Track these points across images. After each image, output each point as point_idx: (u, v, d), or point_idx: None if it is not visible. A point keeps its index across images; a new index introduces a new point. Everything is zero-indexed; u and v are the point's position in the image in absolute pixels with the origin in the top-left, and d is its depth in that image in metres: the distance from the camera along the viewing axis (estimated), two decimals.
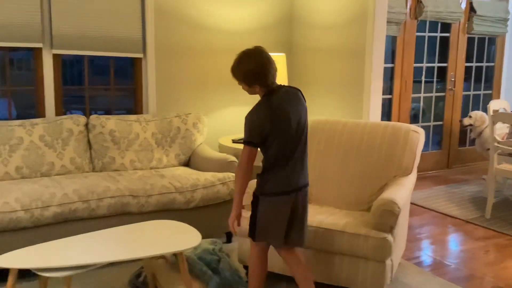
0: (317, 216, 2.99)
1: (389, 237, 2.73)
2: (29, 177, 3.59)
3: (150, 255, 2.59)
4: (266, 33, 4.88)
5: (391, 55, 5.69)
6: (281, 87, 2.54)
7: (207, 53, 4.61)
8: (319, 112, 4.69)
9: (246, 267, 3.06)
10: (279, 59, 4.39)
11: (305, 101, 2.59)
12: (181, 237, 2.74)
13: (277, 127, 2.42)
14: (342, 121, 3.52)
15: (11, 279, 2.35)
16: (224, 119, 4.76)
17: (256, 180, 2.57)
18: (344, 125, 3.47)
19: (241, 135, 3.09)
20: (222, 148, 4.40)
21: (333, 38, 4.48)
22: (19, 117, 4.00)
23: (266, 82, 2.45)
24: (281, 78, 4.38)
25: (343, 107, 4.43)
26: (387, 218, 2.73)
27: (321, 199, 3.35)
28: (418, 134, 3.29)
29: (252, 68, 2.43)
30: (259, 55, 2.46)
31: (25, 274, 2.45)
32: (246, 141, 2.45)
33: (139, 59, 4.41)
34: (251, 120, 2.44)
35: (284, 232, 2.50)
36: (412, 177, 3.23)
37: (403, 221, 3.17)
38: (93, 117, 3.94)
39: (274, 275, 3.03)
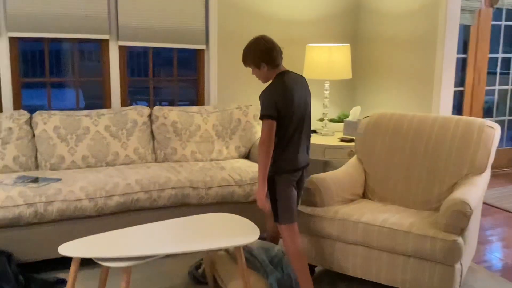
0: (381, 214, 2.86)
1: (460, 239, 2.56)
2: (95, 166, 3.68)
3: (209, 249, 2.58)
4: (330, 23, 4.75)
5: (463, 45, 5.39)
6: (289, 71, 2.72)
7: None
8: (385, 104, 4.51)
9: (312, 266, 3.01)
10: (343, 49, 4.24)
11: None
12: (240, 232, 2.71)
13: (287, 103, 2.58)
14: (409, 115, 3.35)
15: (73, 267, 2.40)
16: None
17: None
18: (411, 119, 3.30)
19: None
20: None
21: (402, 27, 4.29)
22: (86, 107, 4.11)
23: (275, 61, 2.65)
24: (345, 69, 4.25)
25: (410, 100, 4.24)
26: (458, 220, 2.56)
27: (384, 197, 3.21)
28: (493, 130, 3.07)
29: (260, 49, 2.65)
30: (262, 39, 2.68)
31: (87, 262, 2.50)
32: (263, 115, 2.57)
33: (202, 51, 4.41)
34: (265, 96, 2.61)
35: (296, 207, 2.72)
36: (486, 176, 3.02)
37: (475, 223, 2.97)
38: (156, 108, 3.99)
39: (333, 273, 2.94)
